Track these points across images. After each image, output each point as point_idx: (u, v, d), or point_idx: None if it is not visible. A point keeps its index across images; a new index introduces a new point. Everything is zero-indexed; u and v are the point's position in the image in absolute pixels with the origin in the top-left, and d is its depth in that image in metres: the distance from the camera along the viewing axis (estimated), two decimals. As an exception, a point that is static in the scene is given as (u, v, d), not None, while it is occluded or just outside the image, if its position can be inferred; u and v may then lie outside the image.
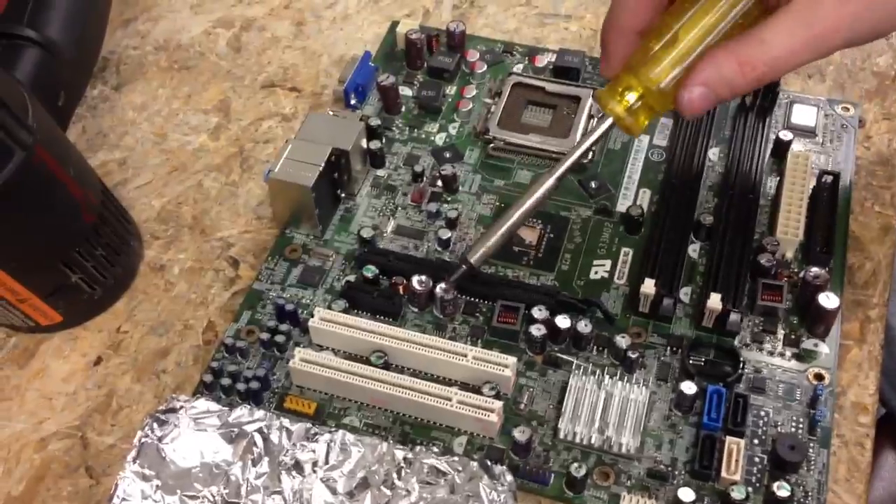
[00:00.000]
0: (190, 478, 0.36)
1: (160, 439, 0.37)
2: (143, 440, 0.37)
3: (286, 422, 0.37)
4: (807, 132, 0.49)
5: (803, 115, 0.49)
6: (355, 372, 0.40)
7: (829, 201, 0.45)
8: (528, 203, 0.40)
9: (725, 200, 0.46)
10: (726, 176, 0.47)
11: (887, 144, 0.49)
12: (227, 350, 0.43)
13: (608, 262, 0.45)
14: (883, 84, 0.52)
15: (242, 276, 0.47)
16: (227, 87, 0.55)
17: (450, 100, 0.52)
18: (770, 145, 0.48)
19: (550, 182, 0.40)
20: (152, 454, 0.36)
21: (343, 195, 0.48)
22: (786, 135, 0.48)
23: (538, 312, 0.42)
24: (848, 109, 0.50)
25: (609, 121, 0.38)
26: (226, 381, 0.41)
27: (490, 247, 0.41)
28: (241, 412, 0.38)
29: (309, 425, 0.37)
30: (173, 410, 0.38)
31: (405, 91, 0.52)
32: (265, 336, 0.42)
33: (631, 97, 0.37)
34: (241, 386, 0.41)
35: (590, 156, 0.48)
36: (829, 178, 0.46)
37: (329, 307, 0.43)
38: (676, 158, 0.48)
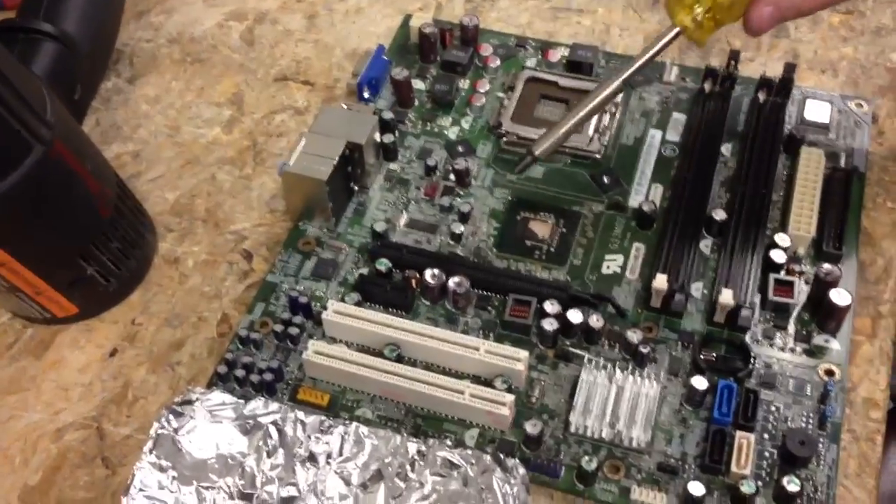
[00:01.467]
0: (206, 469, 0.36)
1: (176, 431, 0.37)
2: (160, 431, 0.37)
3: (301, 414, 0.38)
4: (820, 128, 0.49)
5: (816, 110, 0.49)
6: (368, 364, 0.41)
7: (841, 197, 0.45)
8: (594, 102, 0.42)
9: (738, 196, 0.46)
10: (739, 171, 0.47)
11: (900, 140, 0.49)
12: (241, 342, 0.43)
13: (620, 257, 0.45)
14: (896, 80, 0.52)
15: (256, 269, 0.47)
16: (240, 80, 0.55)
17: (463, 94, 0.52)
18: (783, 141, 0.48)
19: (616, 84, 0.42)
20: (168, 445, 0.37)
21: (356, 188, 0.48)
22: (799, 130, 0.48)
23: (550, 307, 0.42)
24: (861, 105, 0.50)
25: (676, 30, 0.40)
26: (240, 373, 0.41)
27: (555, 141, 0.42)
28: (256, 404, 0.38)
29: (323, 418, 0.38)
30: (189, 402, 0.38)
31: (418, 85, 0.52)
32: (279, 328, 0.43)
33: (700, 10, 0.39)
34: (254, 377, 0.41)
35: (605, 145, 0.48)
36: (842, 174, 0.46)
37: (342, 300, 0.44)
38: (689, 154, 0.48)
